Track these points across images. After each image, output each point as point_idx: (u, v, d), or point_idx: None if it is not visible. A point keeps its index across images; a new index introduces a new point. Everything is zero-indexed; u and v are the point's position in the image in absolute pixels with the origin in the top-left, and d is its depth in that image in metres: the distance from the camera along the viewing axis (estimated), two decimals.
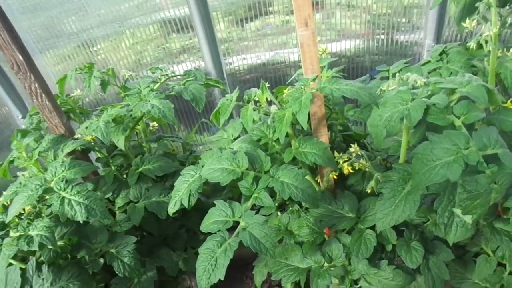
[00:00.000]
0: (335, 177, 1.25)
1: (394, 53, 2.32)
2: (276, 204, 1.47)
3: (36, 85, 1.14)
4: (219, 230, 0.98)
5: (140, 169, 1.30)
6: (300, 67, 1.19)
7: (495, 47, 1.02)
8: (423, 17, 2.14)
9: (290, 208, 1.41)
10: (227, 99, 1.09)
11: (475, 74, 1.09)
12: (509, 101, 1.02)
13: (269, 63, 2.41)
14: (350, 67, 2.41)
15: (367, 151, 1.47)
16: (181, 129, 2.35)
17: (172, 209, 1.11)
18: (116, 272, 1.15)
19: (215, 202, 1.04)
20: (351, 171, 1.13)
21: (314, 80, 1.04)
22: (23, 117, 2.40)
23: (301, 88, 1.04)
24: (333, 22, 2.34)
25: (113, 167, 1.32)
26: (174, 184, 1.13)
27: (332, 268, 1.26)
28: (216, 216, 1.01)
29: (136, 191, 1.30)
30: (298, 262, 1.29)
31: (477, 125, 1.04)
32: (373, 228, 1.23)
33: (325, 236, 1.33)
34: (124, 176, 1.36)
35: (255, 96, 1.08)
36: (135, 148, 1.47)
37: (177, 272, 1.47)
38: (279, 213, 1.48)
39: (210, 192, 1.63)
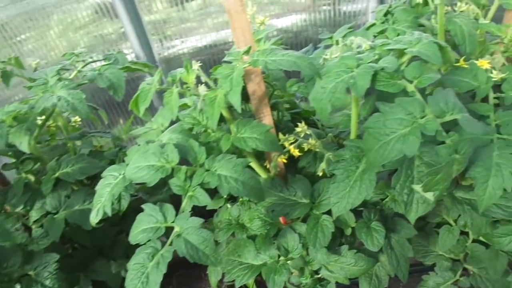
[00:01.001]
0: (284, 160, 1.13)
1: (340, 24, 2.22)
2: (225, 196, 1.34)
3: None
4: (149, 240, 0.83)
5: (56, 174, 1.11)
6: None
7: (442, 0, 0.91)
8: None
9: (241, 199, 1.28)
10: (148, 83, 0.92)
11: None
12: (461, 60, 0.92)
13: (215, 45, 2.25)
14: (298, 42, 2.30)
15: (317, 129, 1.36)
16: (121, 122, 2.14)
17: (94, 219, 0.95)
18: None
19: (142, 206, 0.88)
20: (298, 154, 1.01)
21: (247, 52, 0.90)
22: None
23: (233, 63, 0.89)
24: None
25: (23, 174, 1.11)
26: (95, 188, 0.96)
27: (289, 261, 1.15)
28: (145, 223, 0.86)
29: (54, 200, 1.10)
30: (252, 259, 1.16)
31: (429, 89, 0.94)
32: (329, 212, 1.12)
33: (280, 226, 1.21)
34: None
35: (180, 77, 0.91)
36: (55, 149, 1.27)
37: (121, 282, 1.32)
38: (229, 205, 1.35)
39: (151, 189, 1.47)
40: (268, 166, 1.20)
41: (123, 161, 1.06)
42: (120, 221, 1.37)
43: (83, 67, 1.20)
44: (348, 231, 1.14)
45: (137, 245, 1.27)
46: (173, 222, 0.85)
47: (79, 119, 1.36)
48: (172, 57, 2.24)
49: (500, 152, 0.78)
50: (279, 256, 1.13)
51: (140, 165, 0.89)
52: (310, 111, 1.40)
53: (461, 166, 0.71)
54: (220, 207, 1.39)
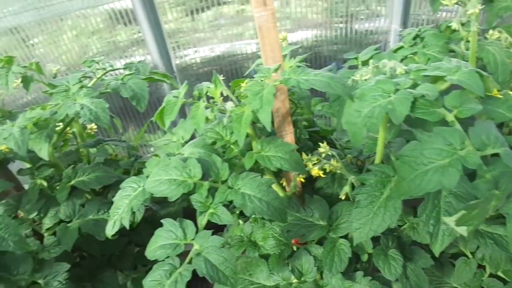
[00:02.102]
0: (302, 180, 1.11)
1: (355, 42, 2.23)
2: (237, 211, 1.31)
3: None
4: (168, 257, 0.80)
5: (72, 182, 1.09)
6: (259, 56, 1.03)
7: (477, 28, 0.90)
8: (384, 3, 2.06)
9: (254, 216, 1.25)
10: (174, 96, 0.90)
11: None
12: (495, 90, 0.90)
13: (225, 56, 2.25)
14: (308, 58, 2.31)
15: (335, 149, 1.34)
16: (132, 128, 2.13)
17: (110, 231, 0.92)
18: None
19: (162, 221, 0.85)
20: (322, 175, 0.99)
21: (276, 70, 0.88)
22: None
23: (262, 80, 0.87)
24: (288, 11, 2.21)
25: (38, 180, 1.09)
26: (113, 199, 0.94)
27: (302, 284, 1.11)
28: (164, 239, 0.83)
29: (68, 209, 1.08)
30: (264, 279, 1.13)
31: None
32: (346, 237, 1.09)
33: (294, 248, 1.18)
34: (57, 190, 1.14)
35: (207, 91, 0.90)
36: (69, 155, 1.25)
37: None
38: (240, 221, 1.32)
39: (163, 200, 1.44)
40: (284, 184, 1.18)
41: (139, 171, 1.04)
42: (130, 232, 1.34)
43: (102, 75, 1.18)
44: (365, 257, 1.11)
45: (145, 256, 1.24)
46: (193, 239, 0.82)
47: (95, 126, 1.34)
48: (184, 66, 2.24)
49: None
50: (292, 278, 1.10)
51: (161, 179, 0.87)
52: (328, 130, 1.39)
53: (499, 202, 0.69)
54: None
